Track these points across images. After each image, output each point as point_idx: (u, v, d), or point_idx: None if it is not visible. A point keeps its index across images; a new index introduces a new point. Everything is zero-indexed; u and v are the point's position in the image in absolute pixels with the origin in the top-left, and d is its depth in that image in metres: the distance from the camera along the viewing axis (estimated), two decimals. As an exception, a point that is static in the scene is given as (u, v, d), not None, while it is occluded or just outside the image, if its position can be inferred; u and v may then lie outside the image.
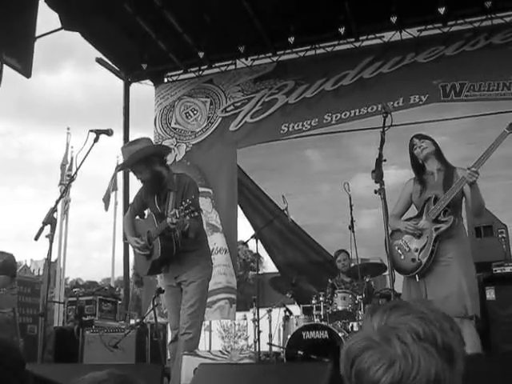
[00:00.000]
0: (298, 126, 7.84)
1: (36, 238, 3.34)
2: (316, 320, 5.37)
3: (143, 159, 4.13)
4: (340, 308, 5.44)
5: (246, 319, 11.22)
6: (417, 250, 3.69)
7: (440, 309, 3.10)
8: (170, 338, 4.41)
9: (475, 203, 3.62)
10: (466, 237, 3.91)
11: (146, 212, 4.52)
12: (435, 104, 7.20)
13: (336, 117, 7.67)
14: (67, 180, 11.24)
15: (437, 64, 7.31)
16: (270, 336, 5.83)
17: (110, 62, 8.65)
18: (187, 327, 4.07)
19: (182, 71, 8.81)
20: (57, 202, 3.53)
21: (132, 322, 7.24)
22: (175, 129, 8.59)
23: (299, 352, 4.96)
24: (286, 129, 7.89)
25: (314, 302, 5.53)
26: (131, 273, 8.91)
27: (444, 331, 0.98)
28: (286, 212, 6.17)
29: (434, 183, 3.80)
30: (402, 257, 3.76)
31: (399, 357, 0.94)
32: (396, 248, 3.80)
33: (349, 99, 7.67)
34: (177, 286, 4.21)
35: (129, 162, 4.20)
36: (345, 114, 7.63)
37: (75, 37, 7.49)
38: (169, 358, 4.66)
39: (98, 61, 8.45)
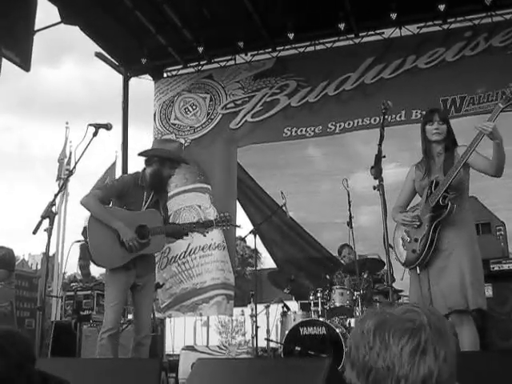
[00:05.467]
0: (301, 131, 7.81)
1: (34, 232, 3.35)
2: (314, 316, 5.38)
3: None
4: (338, 304, 5.46)
5: (243, 315, 11.23)
6: (417, 241, 3.53)
7: (441, 301, 3.05)
8: (107, 333, 3.91)
9: (498, 156, 3.32)
10: (470, 221, 3.66)
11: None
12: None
13: (340, 126, 7.64)
14: (66, 174, 11.21)
15: (437, 72, 7.28)
16: (268, 331, 5.84)
17: (109, 57, 8.62)
18: (148, 331, 4.15)
19: (181, 66, 8.79)
20: (55, 195, 3.52)
21: (129, 316, 7.25)
22: (174, 124, 8.58)
23: (297, 348, 4.98)
24: (289, 133, 7.86)
25: (311, 298, 5.55)
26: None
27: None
28: (284, 208, 6.17)
29: (435, 168, 3.63)
30: (404, 247, 3.64)
31: None
32: (400, 240, 3.69)
33: (351, 106, 7.64)
34: (130, 285, 4.09)
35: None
36: (348, 124, 7.60)
37: (77, 31, 7.47)
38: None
39: (98, 55, 8.42)
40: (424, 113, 7.06)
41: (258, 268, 6.82)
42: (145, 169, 4.22)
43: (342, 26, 7.39)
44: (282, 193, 6.16)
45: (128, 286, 4.07)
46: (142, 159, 4.27)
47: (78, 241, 4.37)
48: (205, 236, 4.35)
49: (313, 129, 7.74)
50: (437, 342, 1.01)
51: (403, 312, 1.05)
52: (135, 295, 4.14)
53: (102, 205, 3.99)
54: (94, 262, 4.01)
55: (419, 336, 1.00)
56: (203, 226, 4.19)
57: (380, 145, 3.41)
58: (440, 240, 3.47)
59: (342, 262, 6.55)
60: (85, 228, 3.99)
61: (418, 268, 3.52)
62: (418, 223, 3.55)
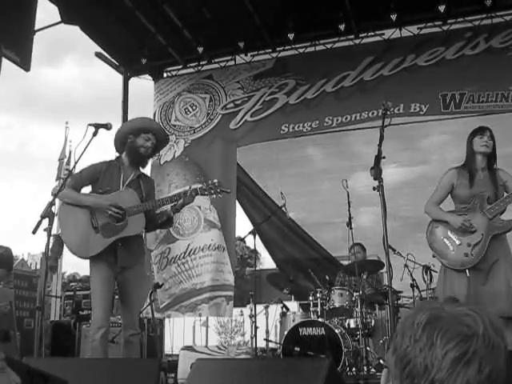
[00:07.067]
0: (298, 127, 7.80)
1: (34, 232, 3.34)
2: (313, 316, 5.38)
3: None
4: (337, 305, 5.46)
5: (242, 315, 11.22)
6: (469, 245, 3.72)
7: (487, 306, 3.14)
8: (98, 333, 3.74)
9: None
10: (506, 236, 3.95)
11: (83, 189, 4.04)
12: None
13: (337, 120, 7.62)
14: (65, 174, 11.22)
15: (437, 69, 7.27)
16: (267, 332, 5.84)
17: (109, 57, 8.62)
18: (137, 327, 3.93)
19: (181, 66, 8.78)
20: (55, 195, 3.52)
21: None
22: (175, 126, 8.58)
23: (296, 348, 4.98)
24: (286, 129, 7.84)
25: (311, 298, 5.55)
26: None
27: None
28: (283, 209, 6.17)
29: (481, 181, 3.86)
30: (451, 248, 3.78)
31: None
32: (443, 238, 3.83)
33: (349, 102, 7.62)
34: (113, 279, 3.91)
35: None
36: (346, 118, 7.58)
37: (78, 31, 7.47)
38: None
39: (98, 55, 8.42)
40: (423, 106, 7.16)
41: (257, 268, 6.82)
42: (120, 154, 4.13)
43: (342, 26, 7.39)
44: (281, 193, 6.16)
45: (112, 280, 3.89)
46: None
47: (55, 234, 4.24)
48: (192, 196, 3.89)
49: (309, 123, 7.73)
50: (485, 356, 0.95)
51: (462, 314, 1.00)
52: (120, 290, 3.97)
53: (72, 189, 3.88)
54: (73, 253, 3.85)
55: (468, 345, 0.95)
56: (185, 196, 3.87)
57: (380, 145, 3.42)
58: (488, 250, 3.71)
59: (351, 260, 6.52)
60: None
61: (467, 271, 3.67)
62: (473, 229, 3.74)
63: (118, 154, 4.17)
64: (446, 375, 0.94)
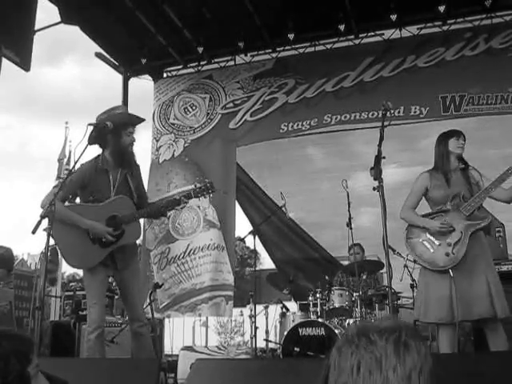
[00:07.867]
0: (297, 125, 7.80)
1: (34, 232, 3.33)
2: (313, 317, 5.38)
3: None
4: (337, 305, 5.46)
5: (242, 315, 11.22)
6: (450, 245, 3.70)
7: (468, 306, 3.18)
8: (94, 333, 3.74)
9: None
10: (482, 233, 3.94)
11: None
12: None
13: (336, 118, 7.63)
14: (65, 174, 11.21)
15: (437, 70, 7.27)
16: (267, 332, 5.85)
17: (109, 57, 8.62)
18: (143, 319, 3.98)
19: (181, 66, 8.79)
20: (55, 195, 3.51)
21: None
22: (174, 124, 8.57)
23: (295, 348, 4.98)
24: (286, 128, 7.85)
25: (310, 298, 5.54)
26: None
27: None
28: (283, 209, 6.17)
29: (456, 181, 3.88)
30: (432, 250, 3.76)
31: None
32: (422, 241, 3.82)
33: (349, 102, 7.63)
34: (108, 279, 4.03)
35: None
36: (345, 117, 7.58)
37: (78, 31, 7.47)
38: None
39: (98, 55, 8.42)
40: (423, 109, 7.14)
41: (257, 268, 6.82)
42: (103, 151, 3.99)
43: (342, 27, 7.39)
44: (281, 193, 6.16)
45: (107, 280, 4.02)
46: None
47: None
48: (185, 204, 3.91)
49: (308, 122, 7.72)
50: (416, 338, 1.08)
51: (381, 321, 1.14)
52: (121, 288, 4.02)
53: (63, 206, 3.79)
54: (70, 265, 3.87)
55: (399, 331, 1.08)
56: (179, 203, 3.88)
57: (380, 146, 3.41)
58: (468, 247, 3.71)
59: (350, 260, 6.53)
60: None
61: (451, 271, 3.65)
62: (452, 229, 3.73)
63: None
64: (396, 359, 1.05)
